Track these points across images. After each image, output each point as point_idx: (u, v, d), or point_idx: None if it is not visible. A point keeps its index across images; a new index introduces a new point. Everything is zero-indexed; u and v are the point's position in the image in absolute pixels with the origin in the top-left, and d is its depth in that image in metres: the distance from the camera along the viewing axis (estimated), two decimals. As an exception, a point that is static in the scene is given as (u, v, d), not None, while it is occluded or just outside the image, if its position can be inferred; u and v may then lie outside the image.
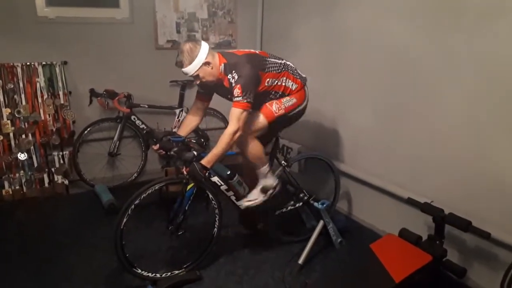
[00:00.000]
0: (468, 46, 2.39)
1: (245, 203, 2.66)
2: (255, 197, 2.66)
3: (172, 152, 2.42)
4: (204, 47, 2.35)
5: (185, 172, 2.33)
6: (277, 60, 2.57)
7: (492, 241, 2.33)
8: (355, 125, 3.27)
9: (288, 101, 2.59)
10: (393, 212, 3.01)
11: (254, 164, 2.62)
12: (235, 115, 2.32)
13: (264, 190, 2.67)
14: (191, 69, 2.32)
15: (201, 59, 2.32)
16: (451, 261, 2.37)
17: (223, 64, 2.42)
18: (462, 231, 2.32)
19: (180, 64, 2.34)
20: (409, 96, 2.78)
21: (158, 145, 2.50)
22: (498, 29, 2.23)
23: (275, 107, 2.56)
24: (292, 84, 2.61)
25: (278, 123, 2.63)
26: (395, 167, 2.97)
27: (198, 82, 2.42)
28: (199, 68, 2.33)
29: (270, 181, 2.68)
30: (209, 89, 2.63)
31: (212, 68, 2.38)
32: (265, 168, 2.65)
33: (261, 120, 2.53)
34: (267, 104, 2.56)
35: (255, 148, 2.56)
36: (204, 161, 2.29)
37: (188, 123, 2.72)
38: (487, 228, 2.23)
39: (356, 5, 3.12)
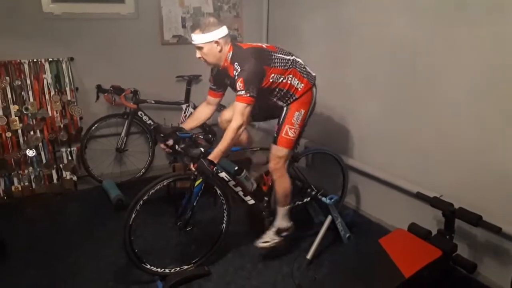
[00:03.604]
0: (474, 39, 2.36)
1: (260, 244, 2.68)
2: (270, 239, 2.69)
3: (179, 148, 2.42)
4: (224, 29, 2.36)
5: (193, 168, 2.32)
6: (285, 56, 2.52)
7: (502, 236, 2.32)
8: (363, 119, 3.24)
9: (298, 118, 2.56)
10: (402, 207, 2.99)
11: (280, 200, 2.65)
12: (239, 110, 2.30)
13: (278, 232, 2.69)
14: (200, 38, 2.32)
15: (215, 36, 2.32)
16: (461, 256, 2.36)
17: (230, 52, 2.41)
18: (472, 225, 2.30)
19: (194, 28, 2.35)
20: (417, 89, 2.76)
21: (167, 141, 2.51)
22: (503, 21, 2.20)
23: (291, 133, 2.54)
24: (298, 83, 2.54)
25: (298, 140, 2.65)
26: (404, 161, 2.94)
27: (198, 56, 2.41)
28: (207, 42, 2.33)
29: (285, 223, 2.71)
30: (221, 83, 2.61)
31: (220, 51, 2.37)
32: (285, 209, 2.67)
33: (284, 151, 2.55)
34: (282, 134, 2.54)
35: (285, 184, 2.60)
36: (210, 157, 2.29)
37: (195, 117, 2.73)
38: (497, 222, 2.21)
39: (363, -2, 3.09)
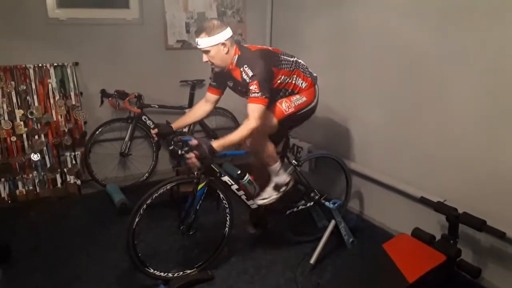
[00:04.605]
0: (479, 43, 2.36)
1: (259, 201, 2.65)
2: (269, 195, 2.67)
3: (182, 152, 2.41)
4: (228, 31, 2.36)
5: (192, 155, 2.23)
6: (289, 58, 2.54)
7: (507, 241, 2.31)
8: (366, 124, 3.24)
9: (298, 100, 2.56)
10: (405, 211, 2.98)
11: (265, 162, 2.62)
12: (257, 111, 2.29)
13: (277, 187, 2.67)
14: (206, 41, 2.32)
15: (220, 38, 2.32)
16: (465, 261, 2.35)
17: (237, 56, 2.41)
18: (477, 230, 2.29)
19: (199, 32, 2.33)
20: (421, 93, 2.75)
21: (156, 129, 2.58)
22: (510, 25, 2.19)
23: (285, 106, 2.53)
24: (302, 83, 2.58)
25: (288, 122, 2.61)
26: (407, 166, 2.94)
27: (205, 60, 2.41)
28: (213, 45, 2.33)
29: (282, 177, 2.68)
30: (221, 82, 2.62)
31: (226, 53, 2.37)
32: (276, 165, 2.64)
33: (271, 119, 2.51)
34: (277, 103, 2.54)
35: (265, 146, 2.55)
36: (215, 143, 2.25)
37: (191, 114, 2.77)
38: (502, 227, 2.20)
39: (366, 2, 3.10)
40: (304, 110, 2.62)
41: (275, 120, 2.52)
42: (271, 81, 2.40)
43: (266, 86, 2.31)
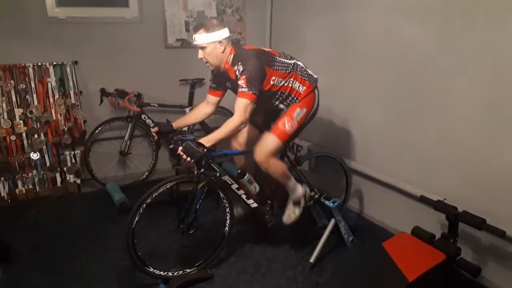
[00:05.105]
0: (480, 44, 2.35)
1: (287, 221, 2.69)
2: (292, 212, 2.69)
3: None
4: (226, 31, 2.38)
5: (181, 153, 2.19)
6: (286, 60, 2.52)
7: (507, 239, 2.30)
8: (366, 123, 3.24)
9: (299, 114, 2.54)
10: (405, 210, 2.98)
11: (282, 182, 2.63)
12: (242, 106, 2.29)
13: (296, 202, 2.68)
14: (203, 37, 2.34)
15: (218, 36, 2.34)
16: (465, 259, 2.35)
17: (232, 55, 2.42)
18: (476, 229, 2.30)
19: (197, 28, 2.36)
20: (420, 94, 2.75)
21: (156, 127, 2.58)
22: (510, 27, 2.19)
23: (288, 126, 2.52)
24: (300, 86, 2.55)
25: (292, 137, 2.63)
26: (407, 165, 2.93)
27: (201, 56, 2.42)
28: (211, 42, 2.34)
29: (298, 191, 2.69)
30: (221, 83, 2.62)
31: (222, 52, 2.39)
32: (292, 182, 2.66)
33: (276, 141, 2.51)
34: (279, 124, 2.52)
35: (277, 166, 2.56)
36: (202, 140, 2.24)
37: (193, 114, 2.76)
38: (502, 226, 2.20)
39: (367, 3, 3.09)
40: (306, 120, 2.62)
41: (280, 142, 2.53)
42: (262, 79, 2.39)
43: (255, 83, 2.30)
